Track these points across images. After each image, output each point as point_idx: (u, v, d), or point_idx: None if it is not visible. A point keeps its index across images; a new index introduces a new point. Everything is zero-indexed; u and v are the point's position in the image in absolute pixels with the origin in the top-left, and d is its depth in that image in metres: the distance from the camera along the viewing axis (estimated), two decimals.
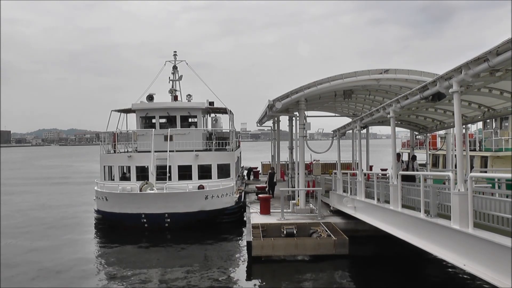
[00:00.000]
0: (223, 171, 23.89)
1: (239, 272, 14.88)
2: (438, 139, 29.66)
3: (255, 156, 64.32)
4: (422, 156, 27.48)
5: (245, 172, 38.47)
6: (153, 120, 26.04)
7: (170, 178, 22.57)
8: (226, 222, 22.08)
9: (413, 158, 18.04)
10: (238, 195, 24.31)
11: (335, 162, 27.10)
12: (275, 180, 26.12)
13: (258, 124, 34.09)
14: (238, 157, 31.11)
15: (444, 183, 14.50)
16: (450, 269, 13.93)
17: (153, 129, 24.28)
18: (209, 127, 28.82)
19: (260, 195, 21.65)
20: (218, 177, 23.36)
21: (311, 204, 20.19)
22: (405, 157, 31.80)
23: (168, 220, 20.63)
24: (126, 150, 25.69)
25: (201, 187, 22.11)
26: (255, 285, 13.73)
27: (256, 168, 40.72)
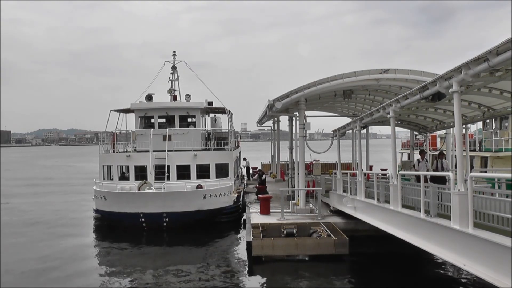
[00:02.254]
0: (222, 170, 23.90)
1: (239, 272, 14.87)
2: (438, 139, 29.66)
3: (255, 156, 64.23)
4: None
5: (244, 167, 38.42)
6: (152, 120, 26.04)
7: (168, 178, 22.58)
8: (224, 222, 22.10)
9: (441, 155, 15.59)
10: (237, 194, 24.32)
11: (335, 162, 27.08)
12: (266, 185, 26.08)
13: (258, 124, 34.10)
14: (237, 157, 31.13)
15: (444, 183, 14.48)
16: (450, 269, 13.93)
17: (152, 129, 24.31)
18: (209, 127, 28.83)
19: (260, 195, 21.64)
20: (217, 177, 23.37)
21: (311, 204, 20.17)
22: (405, 157, 31.88)
23: (166, 219, 20.64)
24: (125, 150, 25.70)
25: (199, 186, 22.13)
26: (255, 285, 13.72)
27: (256, 168, 40.70)
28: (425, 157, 15.50)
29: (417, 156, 27.66)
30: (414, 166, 16.50)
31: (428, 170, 15.01)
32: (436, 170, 14.44)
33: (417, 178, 14.16)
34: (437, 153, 27.73)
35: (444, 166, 14.74)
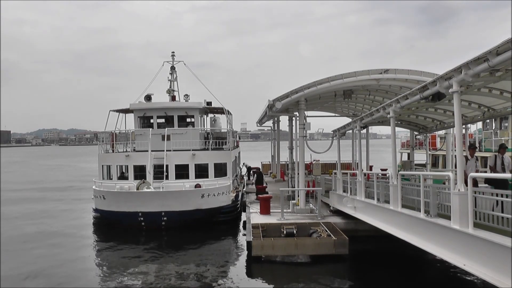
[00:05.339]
0: (220, 170, 23.93)
1: (239, 271, 14.85)
2: (438, 139, 29.66)
3: (255, 156, 64.29)
4: (421, 156, 27.48)
5: (245, 170, 38.47)
6: (151, 120, 26.07)
7: (167, 177, 22.62)
8: (222, 221, 22.14)
9: (502, 149, 11.75)
10: (235, 193, 24.34)
11: (335, 162, 27.09)
12: (264, 183, 26.13)
13: (258, 124, 34.08)
14: (236, 156, 31.15)
15: (444, 183, 14.47)
16: (450, 269, 13.90)
17: (151, 129, 24.36)
18: (208, 127, 28.87)
19: (260, 195, 21.63)
20: (215, 176, 23.39)
21: (311, 204, 20.17)
22: (404, 157, 31.85)
23: (165, 218, 20.70)
24: (124, 150, 25.73)
25: (197, 186, 22.17)
26: (255, 285, 13.70)
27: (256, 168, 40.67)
28: (474, 155, 12.25)
29: (420, 156, 27.68)
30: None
31: (478, 171, 12.13)
32: (494, 169, 11.30)
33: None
34: (435, 152, 27.88)
35: (506, 164, 11.22)
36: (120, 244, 18.76)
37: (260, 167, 41.01)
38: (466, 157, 12.04)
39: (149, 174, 22.08)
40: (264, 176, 36.27)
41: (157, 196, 20.61)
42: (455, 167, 13.48)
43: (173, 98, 28.24)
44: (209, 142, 25.04)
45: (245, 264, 15.43)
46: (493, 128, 25.15)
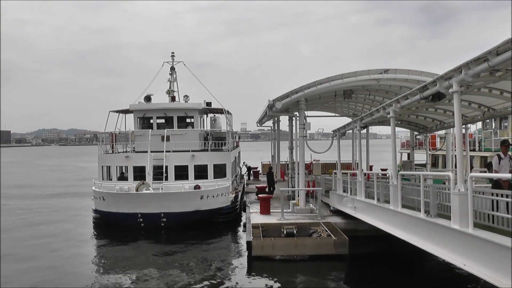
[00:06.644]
0: (220, 171, 23.91)
1: (239, 272, 14.85)
2: (438, 139, 29.67)
3: (255, 156, 64.27)
4: (422, 156, 27.50)
5: (245, 170, 38.50)
6: (151, 121, 26.06)
7: (166, 178, 22.59)
8: (221, 222, 22.14)
9: None
10: (234, 195, 24.33)
11: (335, 162, 27.08)
12: (275, 179, 26.12)
13: (258, 124, 34.08)
14: (235, 157, 31.14)
15: (444, 183, 14.47)
16: (450, 269, 13.90)
17: (150, 130, 24.35)
18: (208, 127, 28.87)
19: (260, 195, 21.62)
20: (214, 177, 23.36)
21: (311, 204, 20.17)
22: (404, 157, 31.84)
23: (164, 219, 20.72)
24: (124, 150, 25.71)
25: (197, 187, 22.16)
26: (255, 285, 13.69)
27: (256, 168, 40.71)
28: (506, 153, 10.56)
29: (420, 156, 27.72)
30: (491, 164, 10.79)
31: None
32: None
33: (495, 183, 10.14)
34: (435, 152, 27.90)
35: None
36: (120, 245, 18.75)
37: (260, 167, 41.03)
38: (499, 155, 10.55)
39: (149, 175, 22.07)
40: (263, 176, 36.29)
41: (156, 197, 20.61)
42: (455, 167, 13.49)
43: (172, 99, 28.24)
44: (208, 143, 25.03)
45: (245, 264, 15.43)
46: (493, 128, 25.16)
